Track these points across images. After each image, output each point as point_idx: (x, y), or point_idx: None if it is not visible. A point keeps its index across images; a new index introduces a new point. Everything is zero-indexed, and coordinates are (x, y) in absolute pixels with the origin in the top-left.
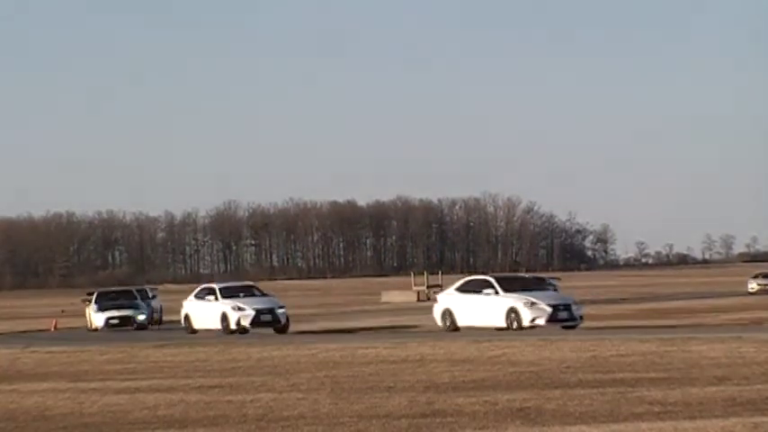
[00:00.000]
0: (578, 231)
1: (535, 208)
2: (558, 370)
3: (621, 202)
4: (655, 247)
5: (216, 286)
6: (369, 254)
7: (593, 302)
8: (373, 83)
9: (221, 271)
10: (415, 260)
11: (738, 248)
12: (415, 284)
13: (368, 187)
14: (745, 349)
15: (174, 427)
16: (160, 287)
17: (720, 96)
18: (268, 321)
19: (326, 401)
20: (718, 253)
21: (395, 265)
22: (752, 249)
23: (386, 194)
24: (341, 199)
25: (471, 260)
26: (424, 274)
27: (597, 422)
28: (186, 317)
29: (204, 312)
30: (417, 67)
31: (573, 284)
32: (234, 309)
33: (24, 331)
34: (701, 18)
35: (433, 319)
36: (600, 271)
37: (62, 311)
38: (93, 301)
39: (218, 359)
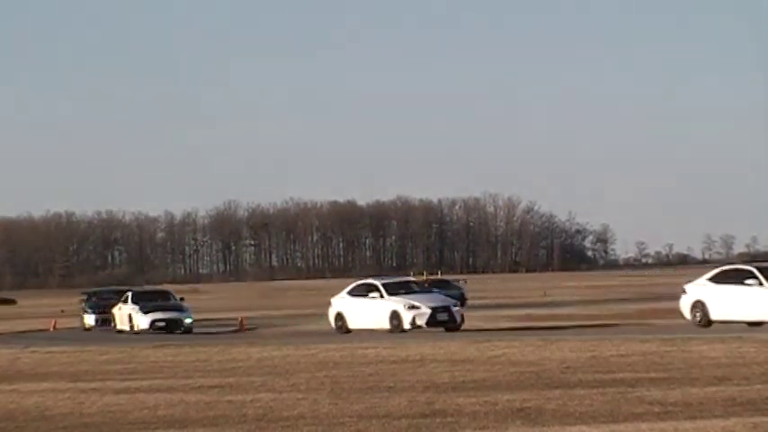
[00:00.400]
0: (578, 231)
1: (535, 208)
2: (558, 370)
3: (621, 202)
4: (655, 247)
5: (378, 282)
6: (368, 254)
7: (593, 302)
8: (373, 82)
9: (220, 271)
10: (415, 260)
11: (738, 248)
12: None
13: (368, 187)
14: (746, 349)
15: (173, 427)
16: (158, 288)
17: (720, 96)
18: (444, 320)
19: (326, 401)
20: (718, 253)
21: (394, 265)
22: (752, 249)
23: (386, 194)
24: (341, 199)
25: (471, 260)
26: (423, 274)
27: (597, 422)
28: (339, 315)
29: (366, 310)
30: (417, 67)
31: (571, 284)
32: (407, 307)
33: (24, 331)
34: (702, 18)
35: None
36: (600, 271)
37: (62, 311)
38: (131, 301)
39: (218, 359)
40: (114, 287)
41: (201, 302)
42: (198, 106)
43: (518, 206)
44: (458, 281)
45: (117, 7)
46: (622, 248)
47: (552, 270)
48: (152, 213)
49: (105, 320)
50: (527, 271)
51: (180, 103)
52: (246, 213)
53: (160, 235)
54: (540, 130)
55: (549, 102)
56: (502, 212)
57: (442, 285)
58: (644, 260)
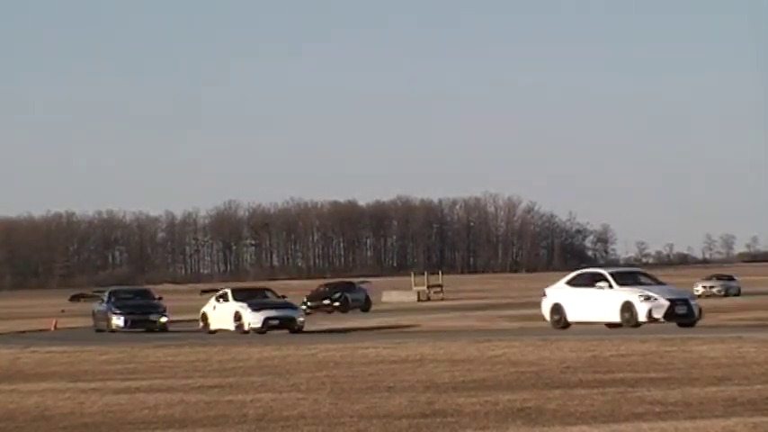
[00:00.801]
0: (578, 231)
1: (535, 208)
2: (559, 370)
3: (621, 202)
4: (655, 247)
5: (606, 271)
6: (369, 254)
7: None
8: (374, 82)
9: (221, 271)
10: (416, 260)
11: (739, 248)
12: (415, 284)
13: (368, 187)
14: (746, 349)
15: (173, 427)
16: (159, 287)
17: (720, 96)
18: (683, 314)
19: (326, 401)
20: (719, 253)
21: (395, 265)
22: (752, 249)
23: (386, 194)
24: (341, 199)
25: (472, 260)
26: (424, 274)
27: (597, 422)
28: (556, 307)
29: (591, 302)
30: (418, 66)
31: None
32: (643, 298)
33: (24, 331)
34: (702, 18)
35: None
36: None
37: (62, 311)
38: (232, 298)
39: (218, 359)
40: (135, 287)
41: (201, 302)
42: (198, 106)
43: (518, 206)
44: (363, 282)
45: (117, 7)
46: (623, 248)
47: (553, 270)
48: (152, 213)
49: (136, 322)
50: (527, 271)
51: (180, 103)
52: (247, 213)
53: (161, 235)
54: (540, 130)
55: (550, 102)
56: (502, 212)
57: (347, 287)
58: (644, 260)
